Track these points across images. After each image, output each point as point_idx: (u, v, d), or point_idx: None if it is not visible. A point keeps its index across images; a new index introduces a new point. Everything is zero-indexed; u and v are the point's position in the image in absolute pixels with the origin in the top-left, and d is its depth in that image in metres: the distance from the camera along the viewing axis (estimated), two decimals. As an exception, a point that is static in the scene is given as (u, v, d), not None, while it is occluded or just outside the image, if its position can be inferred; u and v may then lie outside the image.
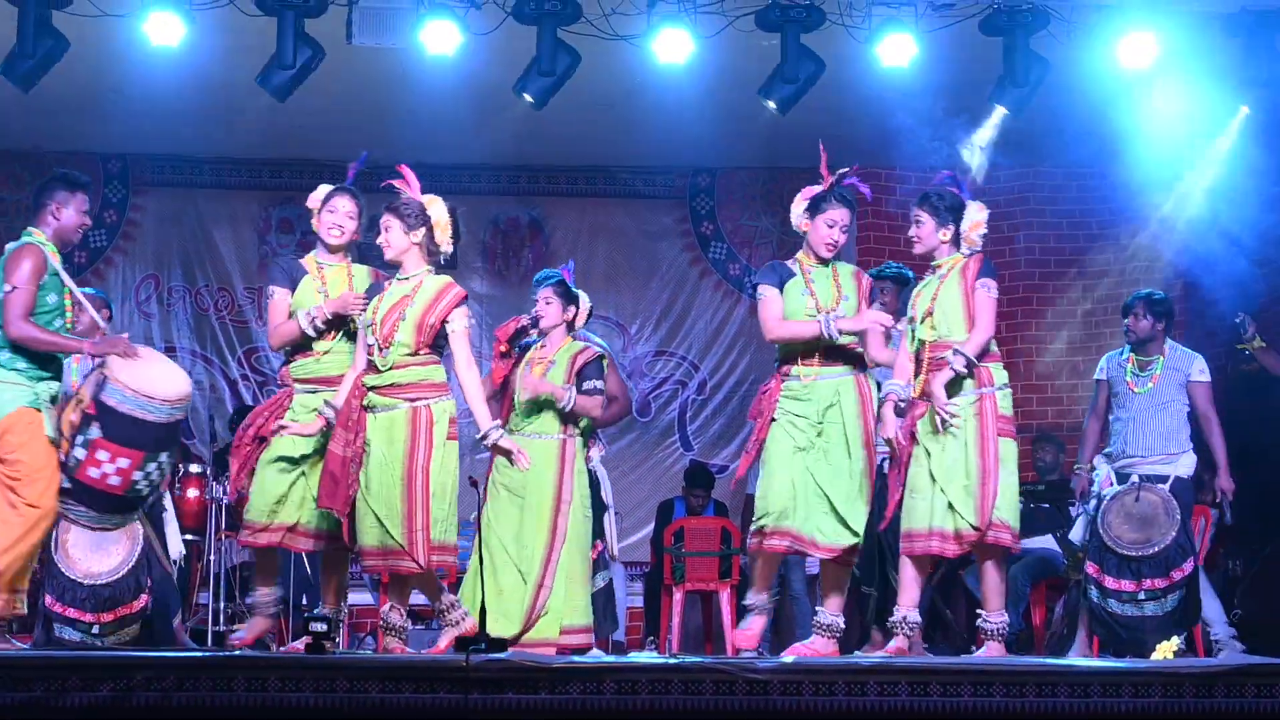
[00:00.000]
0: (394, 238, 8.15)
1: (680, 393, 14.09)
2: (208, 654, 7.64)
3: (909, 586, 8.43)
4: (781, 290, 8.49)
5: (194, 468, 11.24)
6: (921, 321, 8.44)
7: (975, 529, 8.26)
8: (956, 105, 11.30)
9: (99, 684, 6.70)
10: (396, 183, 8.30)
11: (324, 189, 8.59)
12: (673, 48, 10.34)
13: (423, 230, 8.13)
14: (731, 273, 14.14)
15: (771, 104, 10.56)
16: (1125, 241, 13.70)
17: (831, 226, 8.45)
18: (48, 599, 9.55)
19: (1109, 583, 9.49)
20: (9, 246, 8.17)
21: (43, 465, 8.01)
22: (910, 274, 10.02)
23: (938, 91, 11.19)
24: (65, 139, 13.26)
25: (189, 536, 10.70)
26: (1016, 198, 13.65)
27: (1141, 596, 9.48)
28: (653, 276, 14.12)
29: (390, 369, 8.00)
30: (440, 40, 10.20)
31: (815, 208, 8.49)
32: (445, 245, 8.22)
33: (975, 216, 8.55)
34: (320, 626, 7.37)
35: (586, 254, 13.99)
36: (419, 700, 6.77)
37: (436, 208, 8.18)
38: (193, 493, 11.09)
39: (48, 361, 8.09)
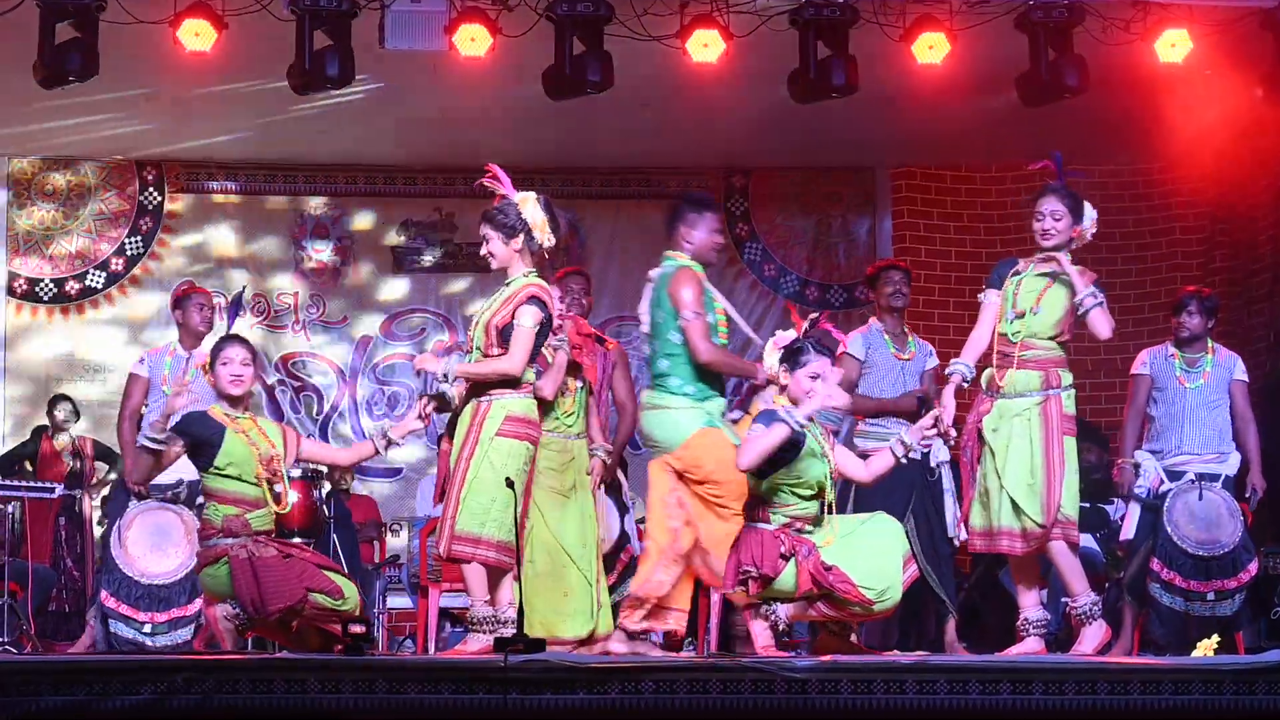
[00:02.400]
0: (495, 248, 8.18)
1: (716, 394, 14.06)
2: (247, 656, 7.66)
3: (1026, 589, 8.52)
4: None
5: (295, 472, 11.16)
6: (1019, 317, 8.42)
7: (1042, 526, 8.27)
8: (990, 102, 11.32)
9: (139, 686, 6.70)
10: (488, 181, 8.29)
11: (207, 341, 8.54)
12: (706, 47, 10.33)
13: (521, 236, 8.13)
14: (767, 273, 14.12)
15: (809, 97, 10.55)
16: (1162, 239, 13.68)
17: (815, 378, 8.11)
18: (104, 595, 9.60)
19: (1179, 582, 9.46)
20: (657, 275, 8.48)
21: (735, 477, 8.13)
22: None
23: (972, 90, 11.20)
24: (100, 146, 13.31)
25: (298, 539, 10.68)
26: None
27: (1211, 597, 9.47)
28: (686, 277, 14.10)
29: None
30: (472, 43, 10.20)
31: (793, 361, 8.13)
32: (546, 241, 8.25)
33: (1092, 214, 8.56)
34: (358, 628, 7.37)
35: (621, 255, 14.00)
36: (458, 701, 6.76)
37: (530, 208, 8.17)
38: (294, 495, 11.05)
39: (715, 380, 8.31)
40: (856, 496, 9.51)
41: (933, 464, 9.83)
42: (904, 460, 8.36)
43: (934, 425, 8.31)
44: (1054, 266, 8.50)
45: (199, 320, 10.05)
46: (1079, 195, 8.55)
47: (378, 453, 8.49)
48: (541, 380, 8.52)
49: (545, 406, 8.63)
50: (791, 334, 8.30)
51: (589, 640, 8.65)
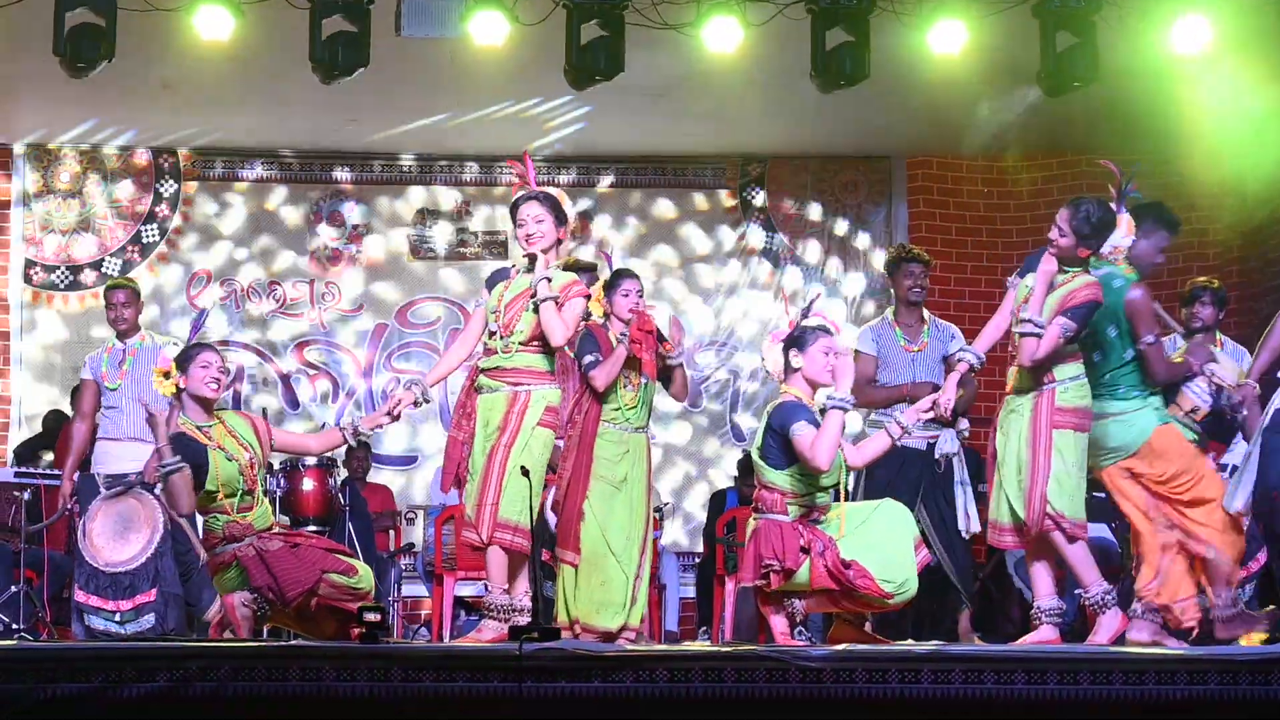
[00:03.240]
0: (547, 230, 8.20)
1: (732, 382, 14.07)
2: (262, 644, 7.66)
3: (1039, 578, 8.46)
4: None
5: (310, 460, 11.20)
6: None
7: (1025, 523, 8.23)
8: (1008, 92, 11.29)
9: (155, 674, 6.71)
10: (516, 167, 8.37)
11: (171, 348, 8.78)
12: (722, 36, 10.32)
13: (565, 229, 8.26)
14: (782, 262, 14.11)
15: (824, 86, 10.52)
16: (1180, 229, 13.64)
17: (828, 354, 8.23)
18: (76, 590, 9.64)
19: None
20: (1098, 278, 8.26)
21: (1200, 469, 8.31)
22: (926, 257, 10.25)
23: (989, 78, 11.16)
24: (117, 134, 13.32)
25: (313, 527, 10.67)
26: (1067, 186, 13.55)
27: None
28: (703, 266, 14.10)
29: (502, 354, 8.14)
30: (488, 31, 10.19)
31: (801, 343, 8.24)
32: (566, 240, 8.44)
33: (1119, 241, 8.37)
34: (374, 616, 7.37)
35: (637, 244, 14.00)
36: (472, 689, 6.76)
37: (569, 205, 8.34)
38: (309, 484, 11.04)
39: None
40: (867, 488, 9.50)
41: (937, 455, 9.81)
42: (898, 440, 8.40)
43: (931, 408, 8.35)
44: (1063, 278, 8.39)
45: (112, 317, 10.26)
46: (1106, 219, 8.30)
47: (345, 443, 8.70)
48: (596, 370, 8.71)
49: (606, 398, 8.81)
50: (786, 329, 8.36)
51: (618, 634, 8.69)
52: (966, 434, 9.44)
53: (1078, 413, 8.30)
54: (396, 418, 8.44)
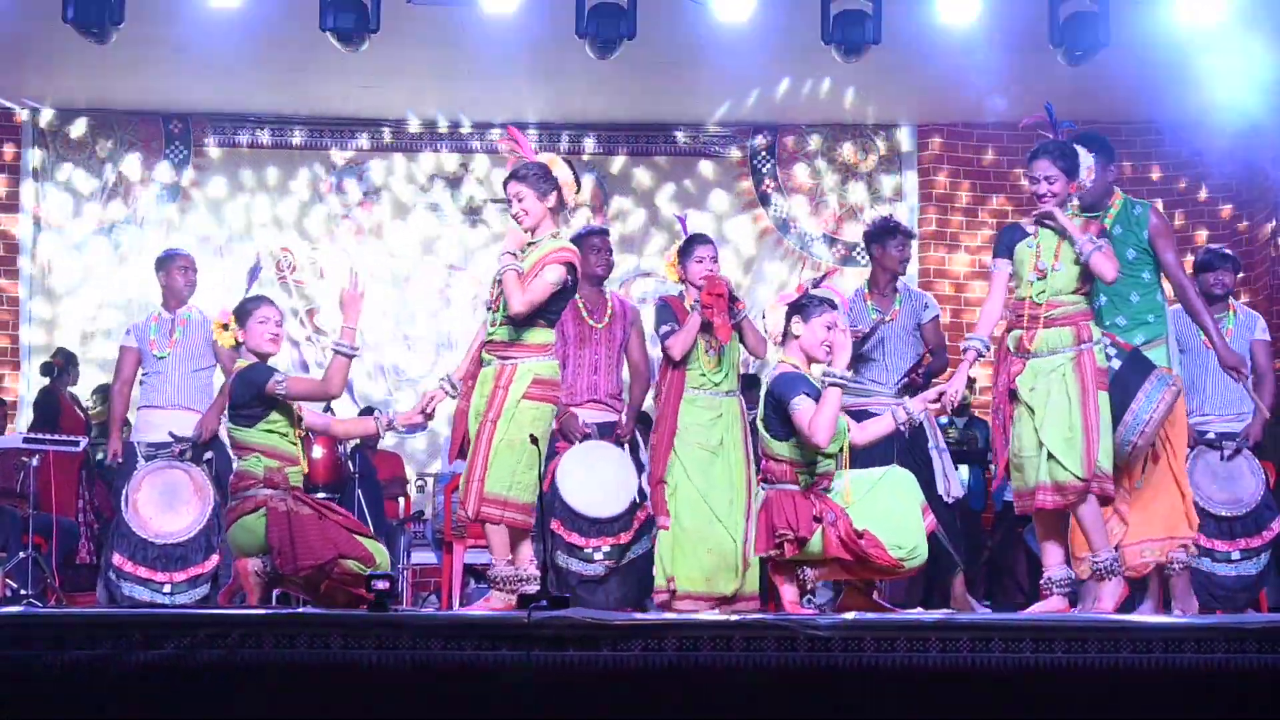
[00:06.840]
0: (530, 205, 8.08)
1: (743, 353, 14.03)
2: (271, 612, 7.68)
3: (1049, 548, 8.42)
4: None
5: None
6: (1041, 277, 8.31)
7: (1081, 479, 8.15)
8: (1018, 61, 11.26)
9: (163, 641, 6.72)
10: (506, 143, 8.34)
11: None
12: (734, 5, 10.30)
13: (554, 195, 8.12)
14: (792, 231, 14.09)
15: (835, 55, 10.49)
16: (1189, 197, 13.63)
17: (829, 329, 8.22)
18: (116, 558, 9.64)
19: (1203, 542, 9.42)
20: None
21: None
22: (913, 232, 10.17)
23: (999, 48, 11.14)
24: (127, 99, 13.32)
25: (322, 494, 10.67)
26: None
27: (1236, 556, 9.45)
28: (713, 234, 14.07)
29: (490, 327, 8.10)
30: (498, -2, 10.21)
31: (805, 312, 8.25)
32: (571, 201, 8.36)
33: (1087, 162, 8.39)
34: (382, 584, 7.38)
35: (646, 214, 13.99)
36: (481, 657, 6.77)
37: (560, 168, 8.15)
38: (319, 451, 11.04)
39: None
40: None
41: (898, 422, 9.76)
42: (903, 428, 8.42)
43: (938, 399, 8.34)
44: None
45: (183, 284, 10.18)
46: (1072, 150, 8.35)
47: (377, 434, 8.78)
48: (671, 339, 8.88)
49: (689, 365, 8.90)
50: (794, 293, 8.37)
51: (732, 599, 8.68)
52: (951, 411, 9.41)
53: (1106, 374, 8.30)
54: (431, 416, 8.43)
